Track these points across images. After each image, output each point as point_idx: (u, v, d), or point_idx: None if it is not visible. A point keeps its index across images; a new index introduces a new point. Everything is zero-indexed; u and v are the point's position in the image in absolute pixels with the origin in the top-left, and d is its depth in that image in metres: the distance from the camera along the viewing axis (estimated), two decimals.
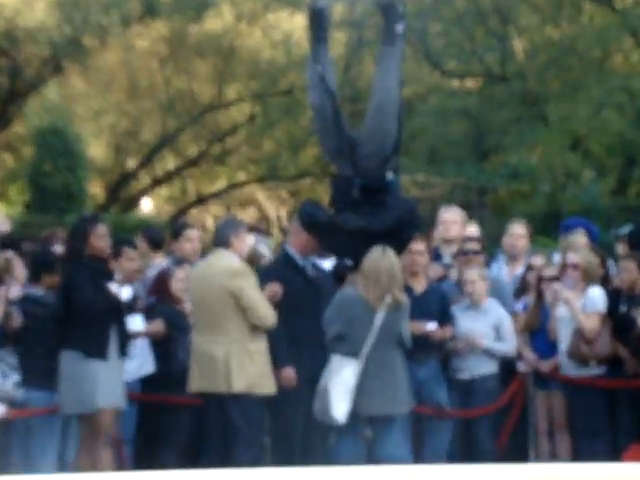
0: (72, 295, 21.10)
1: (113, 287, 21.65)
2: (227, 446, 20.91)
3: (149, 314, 22.59)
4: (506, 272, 25.19)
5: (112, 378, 21.25)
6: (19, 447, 21.22)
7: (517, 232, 25.09)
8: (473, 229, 25.46)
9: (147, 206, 65.67)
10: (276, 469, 17.48)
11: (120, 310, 21.72)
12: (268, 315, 20.96)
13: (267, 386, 21.03)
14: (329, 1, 24.66)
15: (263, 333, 21.14)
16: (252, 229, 25.46)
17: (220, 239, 21.89)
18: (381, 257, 19.93)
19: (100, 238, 22.22)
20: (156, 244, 26.30)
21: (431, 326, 21.87)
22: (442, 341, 22.45)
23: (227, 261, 21.50)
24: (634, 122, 48.27)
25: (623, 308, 22.52)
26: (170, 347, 22.82)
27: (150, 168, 65.20)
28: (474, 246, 23.69)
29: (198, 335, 21.48)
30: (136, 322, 22.21)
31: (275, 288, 21.40)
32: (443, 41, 57.28)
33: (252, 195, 64.32)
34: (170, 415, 22.46)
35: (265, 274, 22.23)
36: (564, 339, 22.51)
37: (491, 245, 26.63)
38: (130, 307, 22.02)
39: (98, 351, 20.84)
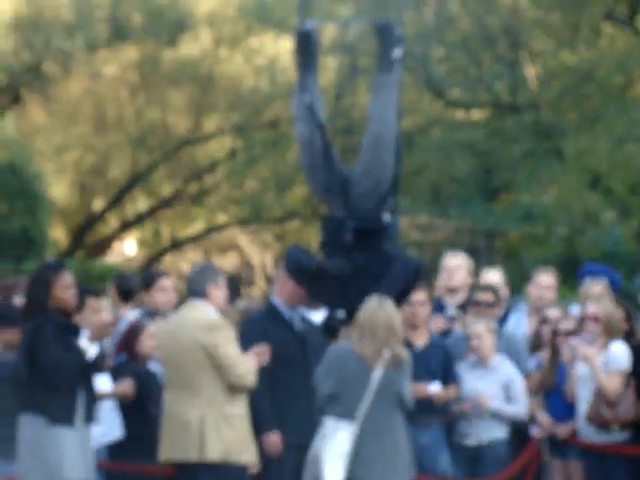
0: (36, 354, 20.09)
1: (82, 344, 20.62)
2: None
3: (117, 374, 22.00)
4: (527, 325, 24.71)
5: (79, 446, 20.40)
6: None
7: (545, 282, 24.68)
8: (495, 276, 25.34)
9: (131, 249, 65.44)
10: None
11: (89, 371, 20.81)
12: (248, 374, 20.26)
13: (247, 454, 20.36)
14: (318, 23, 24.71)
15: (243, 394, 20.51)
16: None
17: (195, 289, 21.20)
18: (378, 308, 19.38)
19: (65, 289, 20.86)
20: (126, 295, 25.98)
21: (434, 388, 21.64)
22: (446, 403, 22.19)
23: (201, 314, 20.82)
24: None
25: None
26: (141, 410, 22.13)
27: (119, 209, 64.42)
28: (488, 297, 23.27)
29: (170, 397, 20.89)
30: (103, 382, 21.45)
31: (263, 349, 20.70)
32: (447, 67, 57.12)
33: (233, 239, 63.58)
34: None
35: (248, 328, 22.06)
36: (583, 401, 22.04)
37: None
38: (97, 366, 20.95)
39: (65, 416, 19.93)
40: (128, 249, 64.93)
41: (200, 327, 20.51)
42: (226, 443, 20.12)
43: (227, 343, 20.42)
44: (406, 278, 21.45)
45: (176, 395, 20.63)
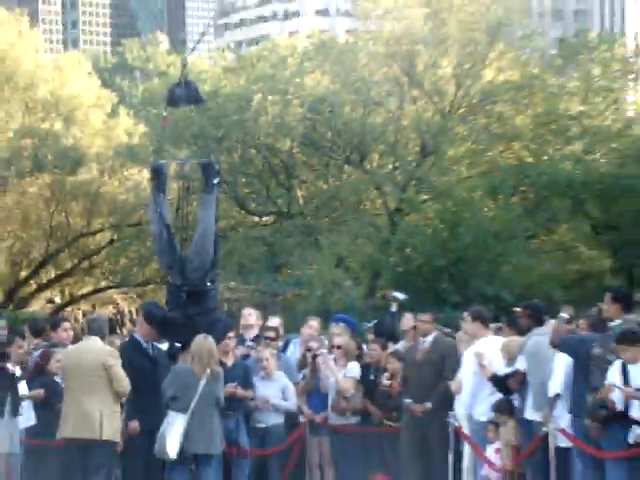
0: None
1: (9, 366, 21.91)
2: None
3: (32, 383, 22.80)
4: (298, 352, 25.91)
5: (7, 430, 21.48)
6: None
7: (312, 325, 25.78)
8: (276, 321, 26.02)
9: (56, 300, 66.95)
10: None
11: (14, 382, 21.87)
12: (126, 385, 20.93)
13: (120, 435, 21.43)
14: (167, 161, 27.06)
15: (121, 398, 21.31)
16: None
17: (93, 329, 21.81)
18: (203, 341, 20.83)
19: (1, 330, 23.39)
20: (37, 332, 26.01)
21: (231, 385, 22.27)
22: (245, 400, 22.78)
23: (101, 344, 21.55)
24: (379, 247, 49.37)
25: (371, 376, 23.28)
26: (49, 405, 22.47)
27: (37, 277, 64.87)
28: (272, 334, 24.24)
29: (72, 398, 21.17)
30: (23, 389, 22.32)
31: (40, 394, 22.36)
32: (248, 189, 59.30)
33: (111, 297, 64.78)
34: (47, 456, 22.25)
35: (120, 353, 21.94)
36: (330, 398, 23.38)
37: None
38: (19, 379, 22.36)
39: None
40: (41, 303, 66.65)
41: (104, 352, 21.19)
42: (114, 428, 20.80)
43: (118, 365, 20.94)
44: (223, 329, 23.07)
45: (78, 397, 20.97)
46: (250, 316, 25.53)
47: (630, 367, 17.52)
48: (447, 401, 21.55)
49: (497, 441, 20.28)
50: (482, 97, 50.47)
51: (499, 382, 20.09)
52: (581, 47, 54.80)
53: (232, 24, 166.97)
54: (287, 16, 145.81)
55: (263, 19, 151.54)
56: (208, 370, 20.90)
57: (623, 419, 17.57)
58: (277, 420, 23.30)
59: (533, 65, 52.37)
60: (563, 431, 19.05)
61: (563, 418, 19.13)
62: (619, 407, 17.47)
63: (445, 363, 22.03)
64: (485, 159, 50.36)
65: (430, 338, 22.24)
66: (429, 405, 21.50)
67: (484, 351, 20.38)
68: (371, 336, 25.34)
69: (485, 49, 49.76)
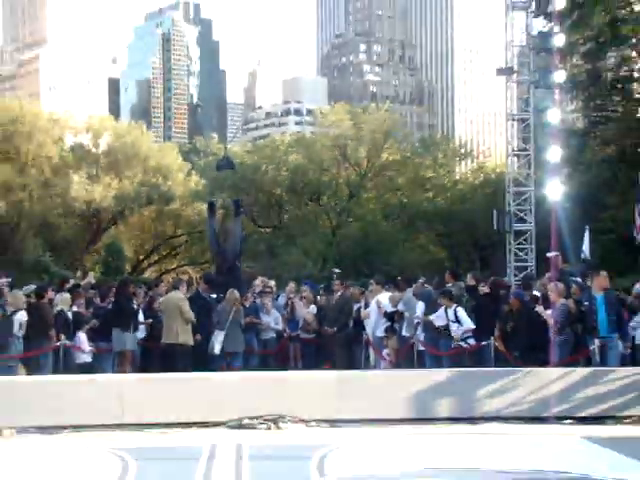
0: None
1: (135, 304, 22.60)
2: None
3: (145, 315, 22.86)
4: (284, 300, 25.45)
5: (133, 339, 21.67)
6: None
7: (292, 286, 25.36)
8: (271, 282, 25.92)
9: None
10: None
11: (136, 313, 22.19)
12: (190, 316, 20.51)
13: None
14: (215, 199, 28.96)
15: (188, 322, 20.71)
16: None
17: (176, 287, 22.05)
18: (232, 293, 21.89)
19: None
20: (148, 288, 26.01)
21: (248, 317, 22.82)
22: (256, 324, 23.11)
23: (179, 295, 21.56)
24: (327, 246, 50.26)
25: (322, 312, 23.75)
26: (154, 327, 22.59)
27: (148, 259, 61.95)
28: (268, 290, 24.35)
29: (165, 322, 21.11)
30: (140, 317, 22.43)
31: None
32: (257, 213, 56.99)
33: (185, 270, 60.23)
34: None
35: (189, 300, 21.94)
36: (301, 323, 24.00)
37: None
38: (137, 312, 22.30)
39: None
40: None
41: (180, 299, 20.94)
42: (185, 337, 20.39)
43: (186, 305, 20.69)
44: (243, 286, 23.22)
45: (169, 322, 20.71)
46: (257, 281, 25.94)
47: (448, 310, 19.38)
48: (344, 326, 22.74)
49: (387, 348, 21.63)
50: (381, 168, 55.68)
51: (388, 316, 21.65)
52: (432, 142, 67.53)
53: (252, 127, 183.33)
54: (280, 125, 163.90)
55: (268, 126, 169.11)
56: (234, 307, 21.70)
57: (447, 334, 19.51)
58: (272, 335, 23.79)
59: (407, 151, 61.35)
60: (421, 342, 20.83)
61: (420, 335, 20.83)
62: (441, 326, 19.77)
63: (345, 306, 23.12)
64: (383, 199, 57.45)
65: (339, 293, 23.23)
66: (333, 329, 22.73)
67: (381, 300, 21.67)
68: (322, 292, 25.57)
69: (382, 143, 57.34)
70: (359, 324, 23.15)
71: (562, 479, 9.04)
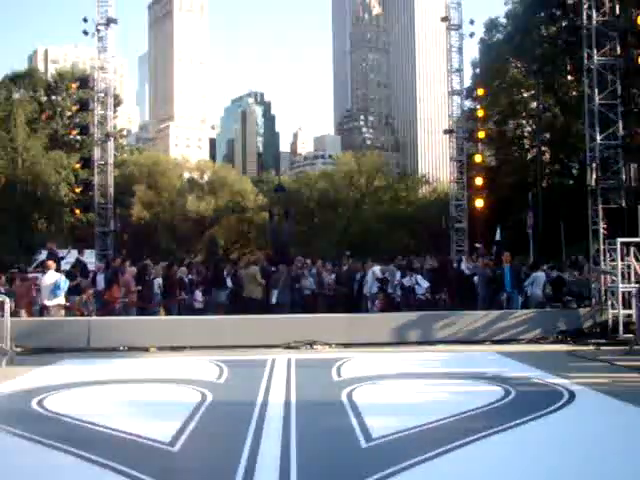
0: None
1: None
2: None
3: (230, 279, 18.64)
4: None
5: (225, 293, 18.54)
6: None
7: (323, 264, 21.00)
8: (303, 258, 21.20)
9: None
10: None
11: (225, 279, 18.83)
12: (262, 280, 16.75)
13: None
14: (275, 208, 26.51)
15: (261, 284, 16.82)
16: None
17: (253, 263, 19.06)
18: (283, 267, 18.31)
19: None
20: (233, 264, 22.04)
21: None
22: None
23: (254, 267, 17.54)
24: (341, 236, 46.47)
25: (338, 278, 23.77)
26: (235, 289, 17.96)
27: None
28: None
29: (247, 285, 17.00)
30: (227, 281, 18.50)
31: None
32: (299, 218, 55.52)
33: (255, 253, 47.43)
34: None
35: (260, 269, 17.87)
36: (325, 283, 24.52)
37: None
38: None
39: None
40: None
41: (255, 270, 17.17)
42: (257, 292, 16.61)
43: (258, 273, 16.85)
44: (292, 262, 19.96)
45: (249, 286, 16.76)
46: (298, 259, 20.93)
47: (413, 276, 18.14)
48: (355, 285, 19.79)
49: (378, 299, 18.86)
50: (374, 190, 52.86)
51: (380, 280, 19.09)
52: (405, 175, 63.11)
53: (295, 167, 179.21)
54: (312, 165, 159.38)
55: (305, 165, 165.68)
56: (283, 275, 17.43)
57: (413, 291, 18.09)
58: (308, 292, 19.18)
59: (389, 180, 55.42)
60: (398, 295, 18.31)
61: (398, 292, 18.55)
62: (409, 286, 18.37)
63: (353, 273, 19.72)
64: (375, 210, 50.96)
65: (346, 267, 20.38)
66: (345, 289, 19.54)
67: (375, 270, 18.78)
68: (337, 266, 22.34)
69: (374, 175, 52.99)
70: (360, 286, 22.15)
71: (482, 376, 9.50)
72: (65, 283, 13.63)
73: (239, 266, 21.89)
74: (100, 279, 16.45)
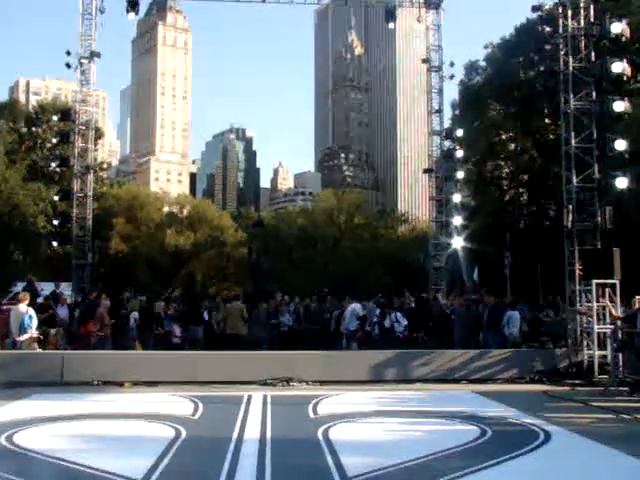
0: None
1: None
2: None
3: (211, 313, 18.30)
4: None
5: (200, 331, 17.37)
6: None
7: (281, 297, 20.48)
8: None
9: None
10: None
11: (202, 316, 17.80)
12: (246, 316, 16.30)
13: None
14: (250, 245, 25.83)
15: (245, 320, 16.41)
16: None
17: (235, 299, 17.68)
18: (263, 304, 17.74)
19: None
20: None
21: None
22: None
23: (238, 304, 16.70)
24: (322, 271, 45.41)
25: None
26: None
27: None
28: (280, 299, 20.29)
29: (229, 321, 16.50)
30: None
31: None
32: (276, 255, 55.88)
33: (235, 289, 54.04)
34: None
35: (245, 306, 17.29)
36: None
37: None
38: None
39: None
40: None
41: (241, 306, 16.68)
42: (239, 329, 16.00)
43: (244, 310, 16.37)
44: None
45: (232, 321, 16.24)
46: (277, 295, 20.30)
47: (392, 314, 17.79)
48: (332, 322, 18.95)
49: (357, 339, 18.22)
50: (353, 227, 53.40)
51: (360, 318, 18.17)
52: (384, 213, 64.05)
53: (274, 202, 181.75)
54: (292, 201, 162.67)
55: (285, 202, 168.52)
56: (263, 312, 17.46)
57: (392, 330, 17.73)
58: (286, 329, 18.61)
59: (369, 218, 56.41)
60: (376, 334, 18.03)
61: (376, 330, 18.14)
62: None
63: (325, 310, 19.35)
64: (354, 247, 50.79)
65: (314, 304, 19.68)
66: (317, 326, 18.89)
67: (357, 308, 17.93)
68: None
69: (353, 212, 54.09)
70: (338, 323, 20.60)
71: (459, 414, 9.46)
72: (30, 319, 13.22)
73: (217, 302, 21.23)
74: (63, 311, 16.08)
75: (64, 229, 23.52)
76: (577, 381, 13.16)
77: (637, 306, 12.81)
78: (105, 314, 15.45)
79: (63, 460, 6.59)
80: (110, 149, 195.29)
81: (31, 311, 13.46)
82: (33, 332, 13.37)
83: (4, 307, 16.34)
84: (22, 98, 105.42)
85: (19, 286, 19.49)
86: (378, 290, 25.05)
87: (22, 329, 13.32)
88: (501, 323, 15.56)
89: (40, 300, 16.34)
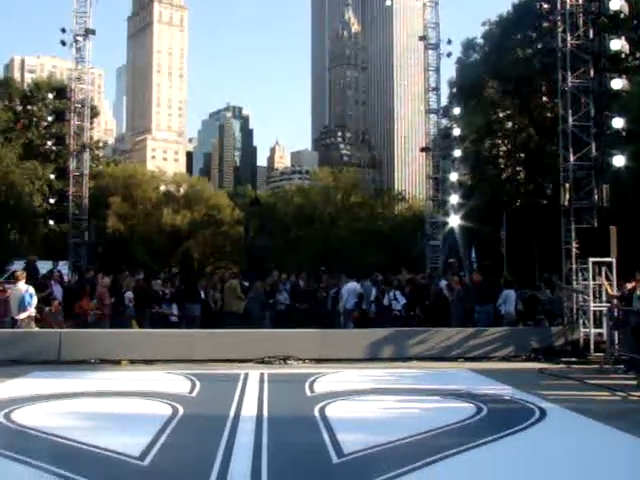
0: None
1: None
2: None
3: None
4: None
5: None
6: None
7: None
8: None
9: None
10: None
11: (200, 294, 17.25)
12: (241, 295, 16.26)
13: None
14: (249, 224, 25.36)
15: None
16: None
17: (229, 278, 17.55)
18: (261, 283, 17.14)
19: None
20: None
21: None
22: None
23: (234, 281, 16.66)
24: (321, 246, 45.33)
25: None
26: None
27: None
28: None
29: (227, 297, 16.54)
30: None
31: None
32: (275, 233, 49.90)
33: (231, 267, 54.02)
34: None
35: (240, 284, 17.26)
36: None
37: None
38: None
39: None
40: None
41: (235, 284, 16.60)
42: (238, 306, 15.99)
43: (238, 286, 16.56)
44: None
45: (228, 299, 16.38)
46: (274, 273, 19.56)
47: (390, 292, 17.67)
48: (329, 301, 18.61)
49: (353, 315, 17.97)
50: (350, 206, 52.76)
51: (357, 295, 18.01)
52: (381, 191, 62.45)
53: (271, 181, 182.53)
54: (289, 179, 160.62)
55: (281, 180, 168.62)
56: (259, 290, 17.01)
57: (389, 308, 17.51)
58: (283, 307, 18.00)
59: (366, 197, 55.76)
60: (373, 312, 17.90)
61: (373, 308, 18.11)
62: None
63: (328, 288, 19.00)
64: (351, 226, 50.12)
65: (302, 283, 18.97)
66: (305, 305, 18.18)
67: (356, 286, 17.77)
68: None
69: (350, 191, 53.59)
70: (336, 301, 19.17)
71: (455, 392, 9.50)
72: (31, 297, 13.29)
73: (214, 280, 21.39)
74: (57, 290, 15.97)
75: (60, 208, 23.50)
76: (573, 359, 13.23)
77: (629, 286, 12.78)
78: (105, 293, 15.35)
79: (61, 437, 6.61)
80: (106, 127, 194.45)
81: (31, 289, 13.48)
82: (32, 310, 13.39)
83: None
84: (17, 76, 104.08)
85: (15, 265, 19.52)
86: (374, 269, 25.11)
87: (22, 307, 13.27)
88: (491, 299, 15.37)
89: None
